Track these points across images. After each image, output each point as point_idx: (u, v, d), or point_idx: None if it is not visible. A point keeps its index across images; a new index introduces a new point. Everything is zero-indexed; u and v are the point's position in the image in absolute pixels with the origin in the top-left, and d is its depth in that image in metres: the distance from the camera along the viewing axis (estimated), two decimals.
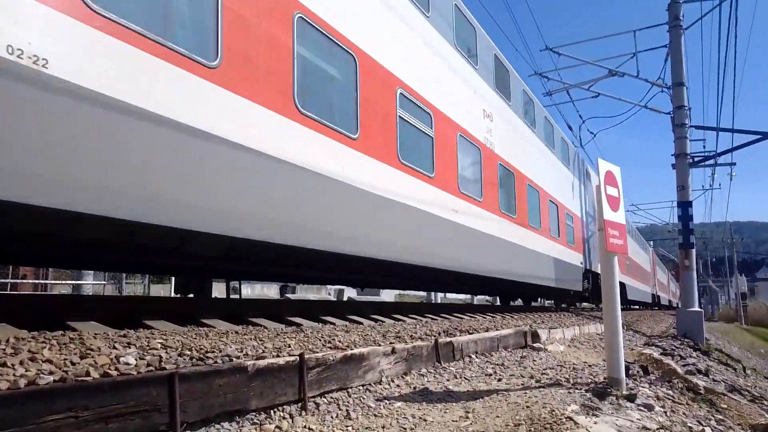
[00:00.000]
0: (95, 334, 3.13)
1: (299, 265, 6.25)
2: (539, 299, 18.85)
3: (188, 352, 2.79)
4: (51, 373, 2.10)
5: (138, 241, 4.31)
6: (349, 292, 24.94)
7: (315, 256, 5.54)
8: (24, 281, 15.05)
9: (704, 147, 18.88)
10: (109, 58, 3.51)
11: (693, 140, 14.51)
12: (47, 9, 3.20)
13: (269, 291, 20.83)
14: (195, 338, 3.37)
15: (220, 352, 2.90)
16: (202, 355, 2.76)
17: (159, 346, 2.89)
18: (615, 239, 4.12)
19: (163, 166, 3.83)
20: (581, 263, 16.50)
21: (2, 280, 14.19)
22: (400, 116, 6.89)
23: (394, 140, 6.75)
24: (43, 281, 15.18)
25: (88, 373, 2.16)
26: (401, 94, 6.97)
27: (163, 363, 2.50)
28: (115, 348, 2.69)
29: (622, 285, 23.90)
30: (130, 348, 2.73)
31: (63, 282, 14.93)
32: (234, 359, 2.76)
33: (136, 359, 2.48)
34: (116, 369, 2.29)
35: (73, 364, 2.30)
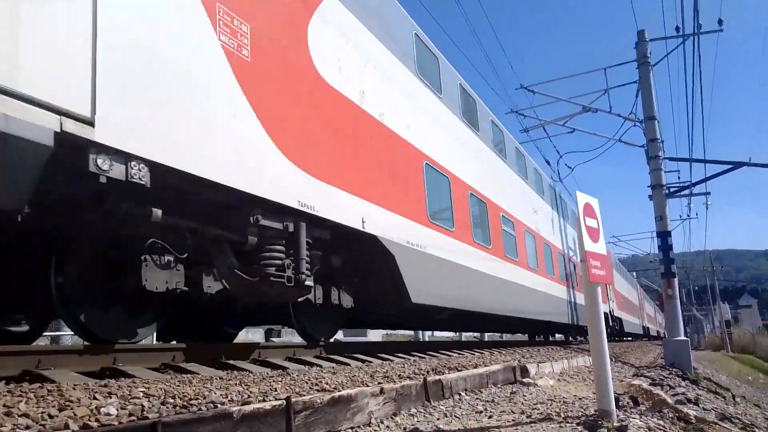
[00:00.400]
0: (74, 385, 3.04)
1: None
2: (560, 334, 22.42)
3: (171, 400, 2.72)
4: (27, 427, 2.03)
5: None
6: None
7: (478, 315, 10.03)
8: None
9: (679, 177, 19.35)
10: (431, 238, 7.97)
11: (668, 171, 14.86)
12: (428, 228, 7.98)
13: (254, 336, 20.45)
14: (178, 385, 3.28)
15: (204, 398, 2.83)
16: (185, 403, 2.69)
17: (141, 394, 2.81)
18: (597, 270, 4.16)
19: (452, 280, 8.58)
20: None
21: None
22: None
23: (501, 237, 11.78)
24: None
25: (66, 426, 2.09)
26: (502, 215, 11.99)
27: (145, 412, 2.44)
28: (95, 398, 2.62)
29: (620, 320, 27.85)
30: (111, 398, 2.65)
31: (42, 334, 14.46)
32: (219, 405, 2.69)
33: (117, 409, 2.41)
34: (97, 420, 2.22)
35: (51, 417, 2.22)
